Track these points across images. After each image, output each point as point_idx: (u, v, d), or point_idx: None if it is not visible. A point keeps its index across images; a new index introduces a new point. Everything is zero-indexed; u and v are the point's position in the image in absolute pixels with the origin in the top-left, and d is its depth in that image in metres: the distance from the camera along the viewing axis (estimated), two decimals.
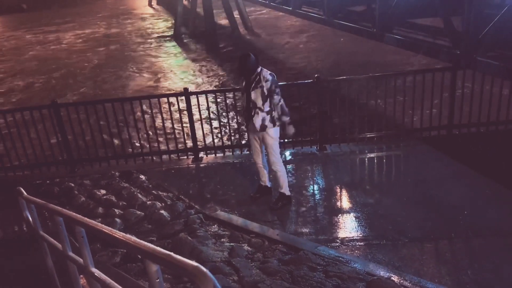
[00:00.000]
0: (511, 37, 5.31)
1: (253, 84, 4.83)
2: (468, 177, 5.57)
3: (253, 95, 4.84)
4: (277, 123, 4.98)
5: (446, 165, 5.94)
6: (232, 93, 7.06)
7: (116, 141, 7.24)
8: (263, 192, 5.54)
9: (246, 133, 5.33)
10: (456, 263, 4.16)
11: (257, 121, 4.90)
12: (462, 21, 5.59)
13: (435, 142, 6.63)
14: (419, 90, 6.50)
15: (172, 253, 1.81)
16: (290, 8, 11.71)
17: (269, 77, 4.81)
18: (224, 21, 25.61)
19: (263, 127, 4.93)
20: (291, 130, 5.02)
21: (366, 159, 6.49)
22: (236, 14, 24.01)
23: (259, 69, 4.86)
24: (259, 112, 4.86)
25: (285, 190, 5.30)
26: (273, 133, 5.00)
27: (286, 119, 4.94)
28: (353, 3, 9.58)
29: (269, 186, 5.54)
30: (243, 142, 7.18)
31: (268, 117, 4.90)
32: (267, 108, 4.87)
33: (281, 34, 22.52)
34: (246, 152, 6.88)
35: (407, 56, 13.17)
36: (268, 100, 4.85)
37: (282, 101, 4.90)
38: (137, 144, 7.36)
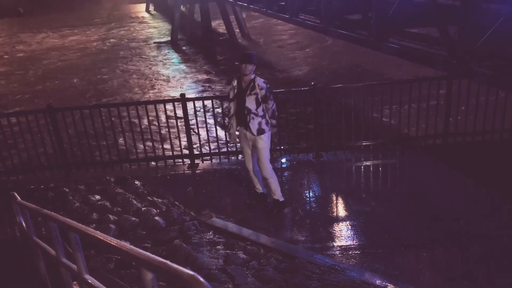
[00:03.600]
0: (507, 47, 5.34)
1: (248, 91, 4.90)
2: (464, 186, 5.59)
3: (247, 101, 4.91)
4: (269, 128, 5.06)
5: (442, 173, 5.95)
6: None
7: (111, 147, 7.20)
8: (259, 199, 5.53)
9: (238, 140, 5.34)
10: (452, 271, 4.16)
11: (254, 125, 4.95)
12: (458, 31, 5.62)
13: (431, 150, 6.64)
14: (415, 98, 6.53)
15: (167, 261, 1.79)
16: (287, 16, 11.71)
17: (264, 85, 4.92)
18: (221, 28, 25.69)
19: (260, 131, 4.98)
20: (274, 131, 5.18)
21: (362, 167, 6.50)
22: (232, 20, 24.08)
23: (253, 76, 4.94)
24: (255, 116, 4.94)
25: (279, 196, 5.30)
26: (266, 137, 5.06)
27: (273, 121, 5.08)
28: (350, 11, 9.60)
29: (264, 192, 5.52)
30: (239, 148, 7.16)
31: (263, 121, 4.99)
32: (261, 112, 4.96)
33: (278, 41, 22.60)
34: (242, 158, 6.86)
35: None
36: (262, 105, 4.96)
37: (274, 105, 5.05)
38: (133, 150, 7.33)
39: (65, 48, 24.54)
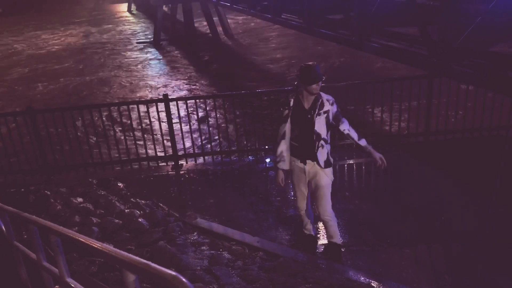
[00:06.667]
0: (485, 46, 5.45)
1: (316, 110, 3.91)
2: (445, 183, 5.66)
3: (317, 123, 3.92)
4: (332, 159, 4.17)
5: (424, 171, 6.03)
6: (212, 99, 7.03)
7: (93, 148, 7.11)
8: (306, 241, 4.67)
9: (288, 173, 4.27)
10: (435, 268, 4.23)
11: (323, 156, 4.02)
12: (438, 30, 5.72)
13: (413, 148, 6.73)
14: (396, 97, 6.60)
15: (150, 263, 1.78)
16: (270, 16, 11.76)
17: (332, 99, 3.99)
18: (204, 28, 25.61)
19: (328, 163, 4.06)
20: (376, 153, 4.13)
21: (345, 165, 6.54)
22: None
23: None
24: (324, 144, 4.00)
25: (337, 239, 4.40)
26: (331, 172, 4.15)
27: (364, 141, 4.10)
28: (332, 11, 9.70)
29: (313, 235, 4.69)
30: (219, 148, 7.14)
31: (330, 151, 4.11)
32: (329, 140, 4.06)
33: (263, 41, 22.63)
34: (226, 159, 6.86)
35: None
36: (329, 130, 4.06)
37: (350, 126, 4.07)
38: (115, 151, 7.25)
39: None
